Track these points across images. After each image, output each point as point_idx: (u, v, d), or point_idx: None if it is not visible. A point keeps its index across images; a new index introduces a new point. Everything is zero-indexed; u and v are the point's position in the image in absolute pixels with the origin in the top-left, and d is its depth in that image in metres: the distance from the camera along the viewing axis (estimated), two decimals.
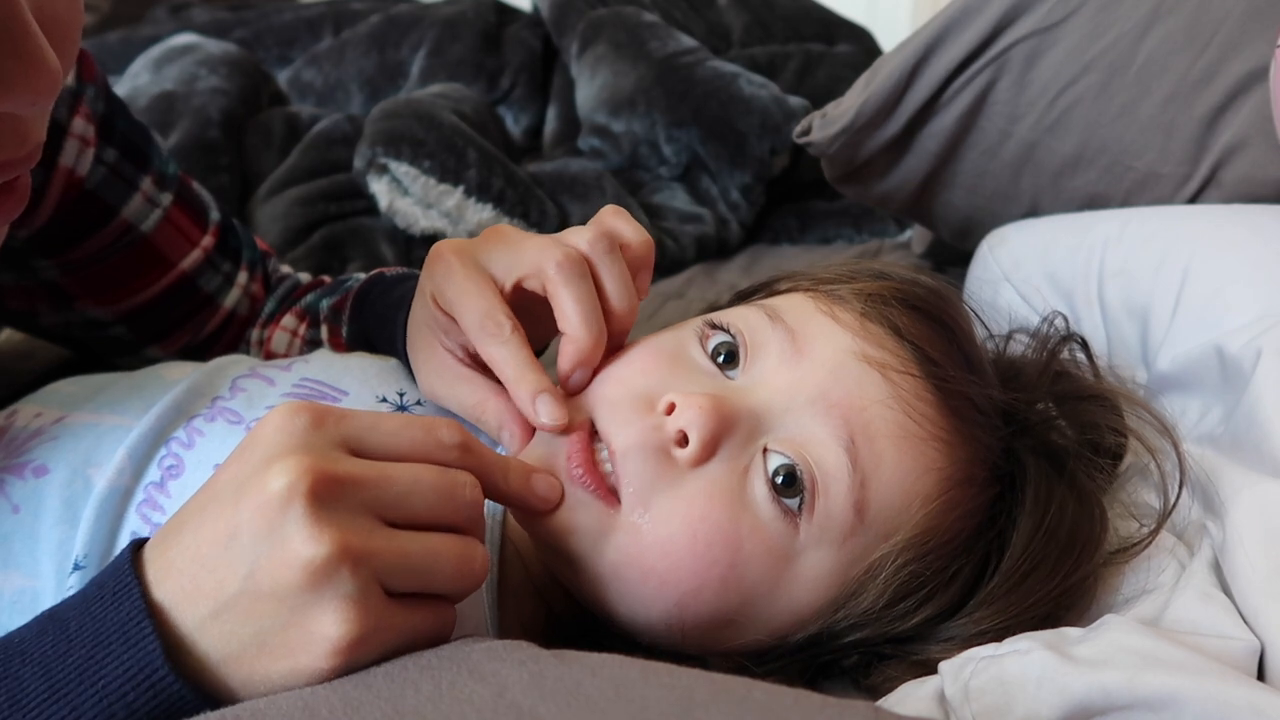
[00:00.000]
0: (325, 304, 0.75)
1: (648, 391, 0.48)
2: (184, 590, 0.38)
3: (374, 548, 0.37)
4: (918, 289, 0.55)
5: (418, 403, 0.57)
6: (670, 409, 0.47)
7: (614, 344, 0.51)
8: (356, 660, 0.37)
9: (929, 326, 0.52)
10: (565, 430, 0.48)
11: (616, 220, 0.53)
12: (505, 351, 0.48)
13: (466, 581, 0.41)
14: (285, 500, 0.36)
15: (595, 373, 0.50)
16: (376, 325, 0.64)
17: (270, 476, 0.37)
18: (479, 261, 0.51)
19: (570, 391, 0.50)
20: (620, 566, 0.46)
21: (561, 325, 0.49)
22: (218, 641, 0.37)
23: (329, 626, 0.36)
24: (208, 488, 0.40)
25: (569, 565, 0.47)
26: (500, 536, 0.52)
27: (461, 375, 0.52)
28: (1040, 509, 0.51)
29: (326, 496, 0.37)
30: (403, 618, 0.38)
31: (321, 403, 0.40)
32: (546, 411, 0.47)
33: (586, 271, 0.49)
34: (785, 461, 0.47)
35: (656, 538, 0.46)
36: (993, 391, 0.53)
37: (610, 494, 0.46)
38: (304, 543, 0.36)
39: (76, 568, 0.49)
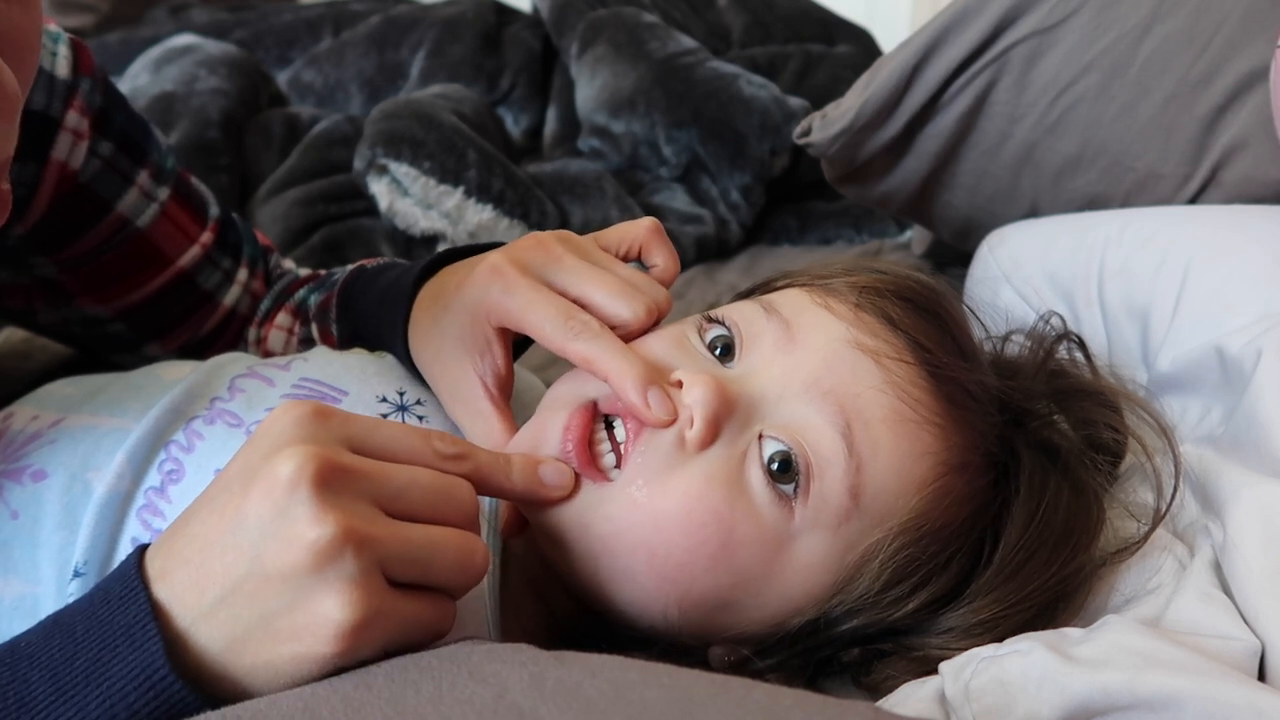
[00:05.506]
0: (313, 300, 0.75)
1: (657, 369, 0.49)
2: (190, 579, 0.38)
3: (376, 533, 0.38)
4: (911, 283, 0.55)
5: (418, 402, 0.57)
6: (678, 386, 0.48)
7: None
8: (359, 645, 0.38)
9: (922, 318, 0.53)
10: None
11: (653, 240, 0.56)
12: (599, 345, 0.49)
13: (467, 575, 0.41)
14: (293, 484, 0.37)
15: None
16: (363, 321, 0.64)
17: (278, 462, 0.38)
18: (537, 273, 0.52)
19: None
20: (611, 539, 0.47)
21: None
22: (222, 628, 0.38)
23: (332, 609, 0.37)
24: (216, 482, 0.41)
25: (563, 546, 0.48)
26: (500, 538, 0.52)
27: (482, 411, 0.53)
28: (1035, 497, 0.52)
29: (333, 481, 0.38)
30: (404, 605, 0.39)
31: (325, 403, 0.42)
32: (659, 405, 0.47)
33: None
34: (781, 448, 0.47)
35: (650, 511, 0.46)
36: (986, 378, 0.53)
37: (599, 471, 0.47)
38: (309, 524, 0.37)
39: (76, 574, 0.49)
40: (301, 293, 0.77)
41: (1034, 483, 0.52)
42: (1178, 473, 0.55)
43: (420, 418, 0.56)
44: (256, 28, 1.58)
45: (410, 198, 1.12)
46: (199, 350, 0.76)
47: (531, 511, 0.49)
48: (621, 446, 0.48)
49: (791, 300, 0.53)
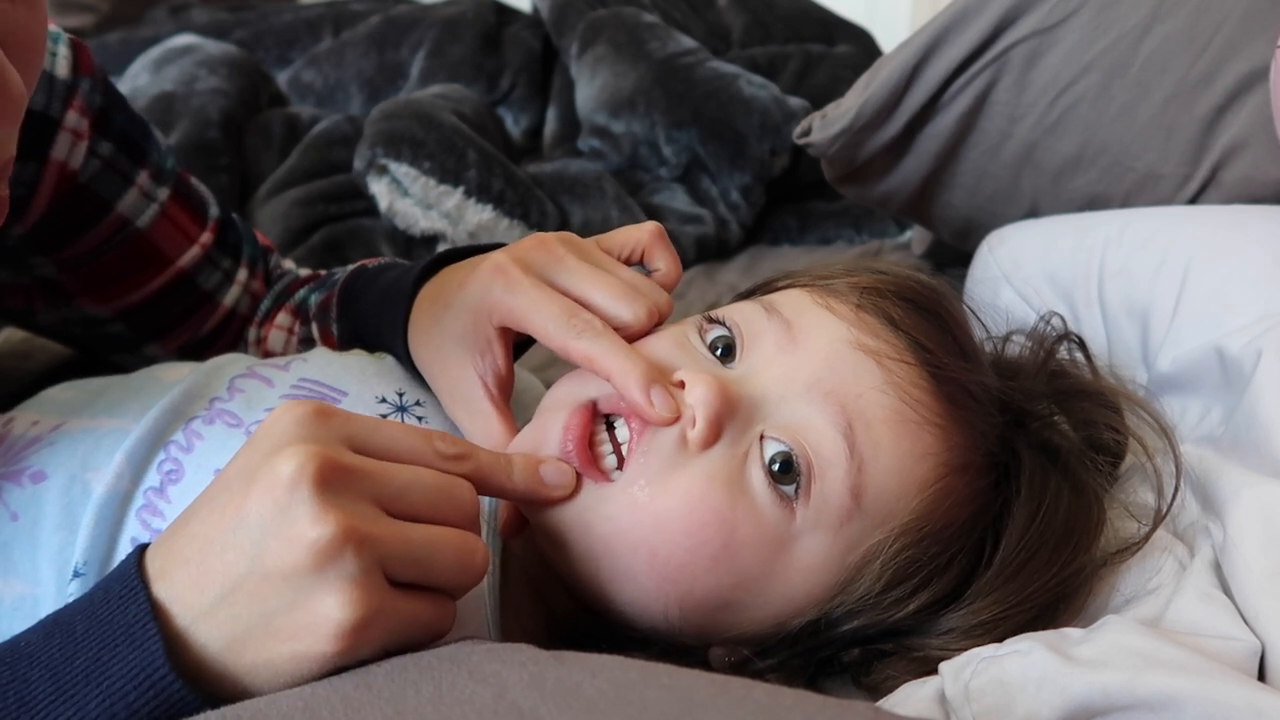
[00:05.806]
0: (314, 300, 0.75)
1: (659, 369, 0.49)
2: (190, 578, 0.38)
3: (377, 532, 0.38)
4: (912, 283, 0.55)
5: (417, 403, 0.57)
6: (680, 386, 0.48)
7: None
8: (359, 645, 0.38)
9: (923, 318, 0.53)
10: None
11: (656, 244, 0.56)
12: (602, 344, 0.49)
13: (467, 575, 0.41)
14: (293, 483, 0.37)
15: None
16: (363, 321, 0.64)
17: (279, 461, 0.38)
18: (539, 273, 0.52)
19: None
20: (613, 539, 0.47)
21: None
22: (223, 626, 0.38)
23: (333, 609, 0.37)
24: (216, 481, 0.41)
25: (563, 546, 0.48)
26: (500, 538, 0.52)
27: (482, 410, 0.53)
28: (1036, 499, 0.52)
29: (333, 481, 0.38)
30: (404, 605, 0.39)
31: (326, 403, 0.41)
32: (662, 403, 0.47)
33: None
34: (782, 448, 0.47)
35: (652, 511, 0.46)
36: (987, 379, 0.53)
37: (600, 470, 0.47)
38: (310, 524, 0.37)
39: (76, 575, 0.49)
40: (302, 293, 0.77)
41: (1035, 483, 0.52)
42: (1178, 473, 0.55)
43: (420, 418, 0.56)
44: (256, 28, 1.59)
45: (410, 198, 1.12)
46: (199, 350, 0.76)
47: (532, 511, 0.49)
48: (623, 447, 0.48)
49: (793, 301, 0.53)
